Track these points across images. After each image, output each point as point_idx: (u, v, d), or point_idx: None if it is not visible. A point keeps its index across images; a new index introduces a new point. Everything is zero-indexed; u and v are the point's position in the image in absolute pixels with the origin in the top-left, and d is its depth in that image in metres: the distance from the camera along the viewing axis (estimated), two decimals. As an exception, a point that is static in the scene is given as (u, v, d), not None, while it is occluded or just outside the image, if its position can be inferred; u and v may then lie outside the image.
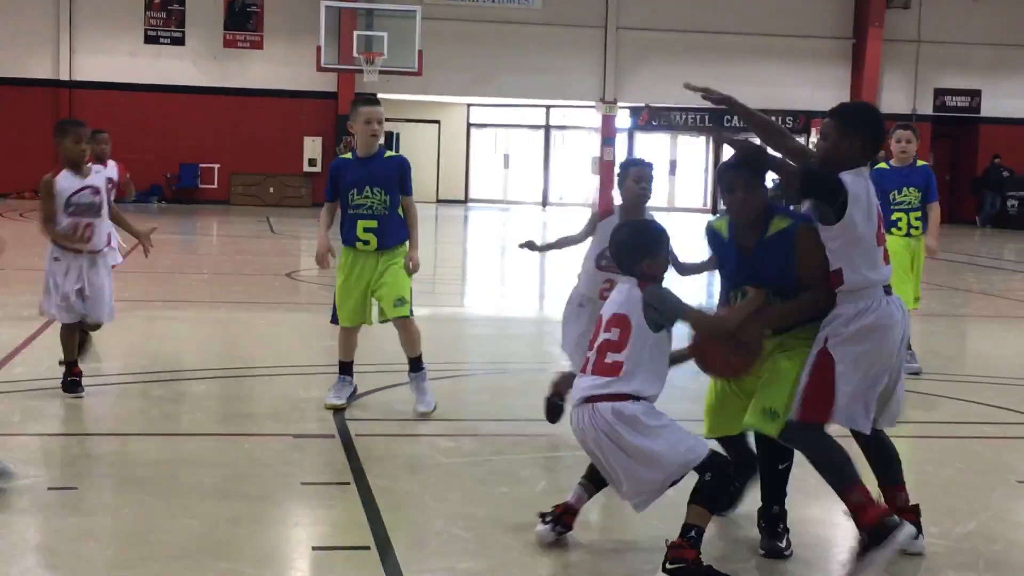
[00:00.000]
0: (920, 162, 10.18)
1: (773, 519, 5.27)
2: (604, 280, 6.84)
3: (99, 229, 7.91)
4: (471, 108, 38.53)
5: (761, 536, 5.28)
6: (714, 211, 37.38)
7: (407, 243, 7.68)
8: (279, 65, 33.47)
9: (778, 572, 5.07)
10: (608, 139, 36.31)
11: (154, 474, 6.14)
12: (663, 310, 4.98)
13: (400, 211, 7.62)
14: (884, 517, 4.81)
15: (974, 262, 22.71)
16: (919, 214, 10.01)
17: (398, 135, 39.12)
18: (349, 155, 7.77)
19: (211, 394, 7.54)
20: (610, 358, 4.95)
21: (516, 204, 38.39)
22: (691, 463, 4.84)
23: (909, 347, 9.07)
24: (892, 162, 10.13)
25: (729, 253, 5.28)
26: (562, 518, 5.14)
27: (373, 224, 7.55)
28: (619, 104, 35.82)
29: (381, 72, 29.62)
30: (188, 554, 4.96)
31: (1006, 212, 34.48)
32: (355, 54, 29.72)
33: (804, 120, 36.90)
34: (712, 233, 5.39)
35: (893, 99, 35.85)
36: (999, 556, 5.36)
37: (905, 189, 10.02)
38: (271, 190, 33.62)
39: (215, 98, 33.20)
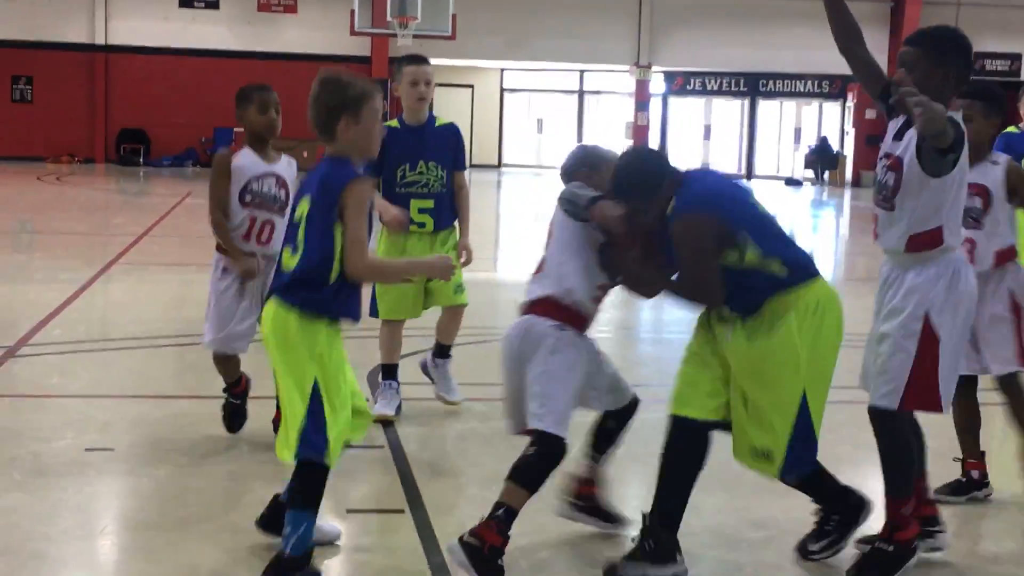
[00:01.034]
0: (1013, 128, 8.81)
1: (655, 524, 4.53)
2: None
3: (278, 232, 6.02)
4: (505, 73, 38.45)
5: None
6: (748, 176, 37.23)
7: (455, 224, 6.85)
8: (313, 29, 33.48)
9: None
10: (642, 104, 36.16)
11: (189, 436, 6.21)
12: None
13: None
14: (917, 538, 4.51)
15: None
16: None
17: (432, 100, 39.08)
18: (395, 123, 6.73)
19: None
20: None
21: (549, 169, 38.32)
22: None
23: None
24: (1022, 126, 8.81)
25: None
26: (581, 495, 4.87)
27: (429, 204, 6.65)
28: (653, 68, 35.63)
29: (415, 36, 29.51)
30: (224, 514, 5.02)
31: None
32: (389, 18, 29.59)
33: (840, 84, 36.64)
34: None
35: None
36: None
37: None
38: (305, 155, 33.60)
39: (249, 62, 33.23)
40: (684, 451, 4.49)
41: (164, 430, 6.32)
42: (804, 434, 4.43)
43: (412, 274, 4.20)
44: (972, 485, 5.52)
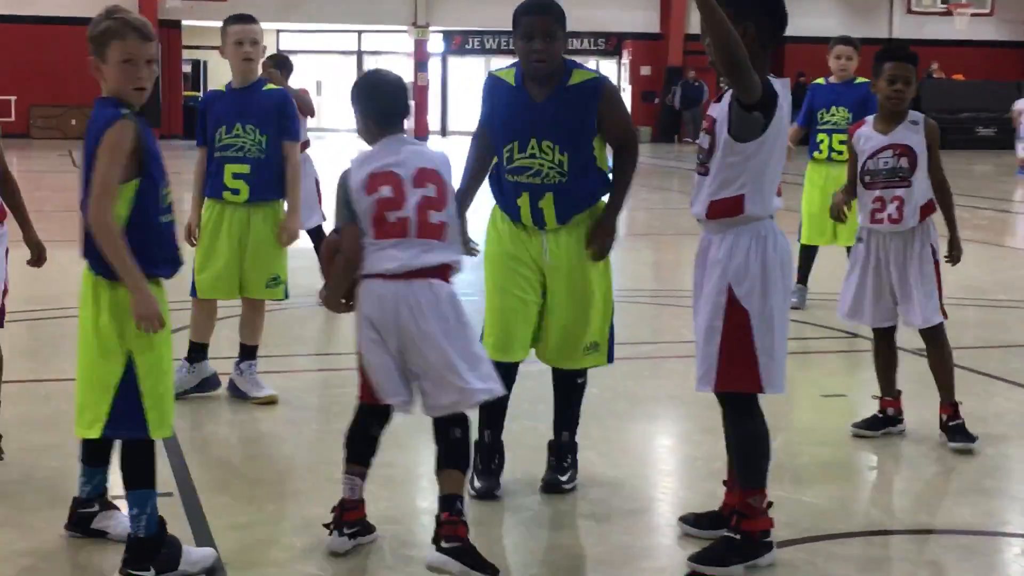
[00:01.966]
0: (859, 79, 9.31)
1: (562, 449, 5.15)
2: (874, 199, 5.89)
3: None
4: (281, 35, 37.75)
5: (546, 468, 5.13)
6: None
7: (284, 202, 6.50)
8: (75, -10, 32.17)
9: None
10: (421, 64, 36.04)
11: (28, 412, 5.93)
12: None
13: (283, 160, 6.43)
14: (768, 532, 4.35)
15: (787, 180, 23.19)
16: (845, 137, 9.12)
17: (206, 63, 38.15)
18: (222, 87, 6.61)
19: (16, 337, 7.21)
20: (435, 217, 4.32)
21: (331, 132, 37.86)
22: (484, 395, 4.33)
23: (804, 281, 9.25)
24: (830, 79, 9.43)
25: (516, 103, 4.93)
26: (346, 520, 4.42)
27: (244, 169, 6.32)
28: (431, 28, 35.51)
29: (184, -2, 28.74)
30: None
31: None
32: (157, -21, 28.75)
33: (616, 41, 37.20)
34: (495, 82, 5.03)
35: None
36: (802, 470, 5.52)
37: (834, 108, 9.28)
38: (73, 122, 32.42)
39: (7, 27, 31.78)
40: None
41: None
42: (611, 330, 5.08)
43: (127, 280, 3.87)
44: (887, 421, 6.01)
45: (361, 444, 4.44)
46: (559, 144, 4.83)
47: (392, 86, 4.54)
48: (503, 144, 4.94)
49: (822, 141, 9.47)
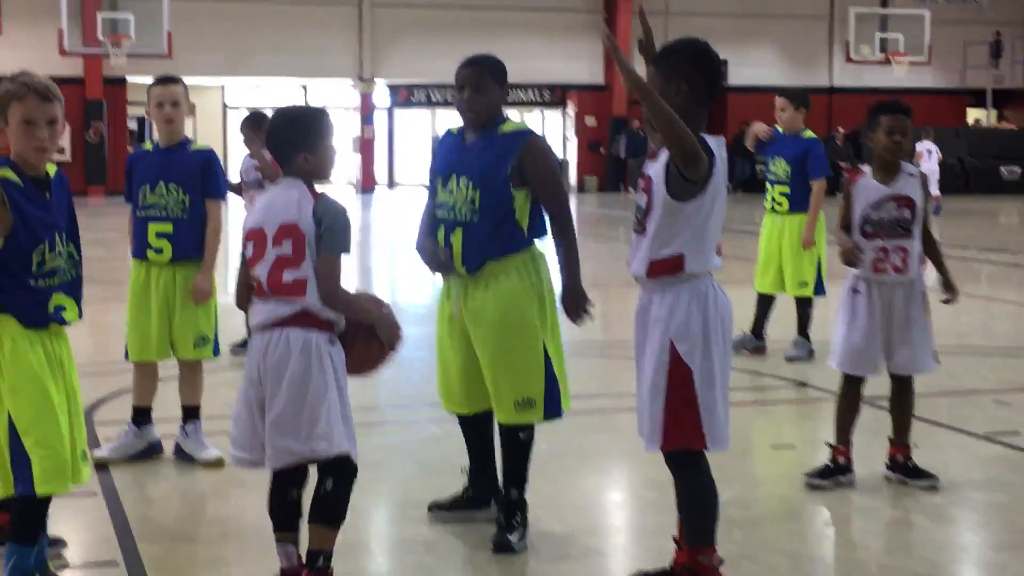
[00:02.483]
0: (807, 133, 9.39)
1: (510, 507, 5.12)
2: (877, 250, 5.95)
3: None
4: (226, 89, 37.70)
5: (496, 528, 5.11)
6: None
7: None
8: (20, 49, 31.81)
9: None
10: (367, 117, 36.08)
11: None
12: (332, 245, 4.29)
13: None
14: None
15: (728, 227, 23.36)
16: (786, 188, 9.30)
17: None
18: (149, 144, 6.66)
19: None
20: (288, 276, 4.26)
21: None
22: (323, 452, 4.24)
23: (805, 333, 9.28)
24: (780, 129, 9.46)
25: (451, 146, 5.20)
26: None
27: (167, 228, 6.30)
28: (377, 81, 35.60)
29: (129, 56, 28.66)
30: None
31: (755, 177, 35.74)
32: (100, 37, 28.65)
33: (560, 93, 37.43)
34: (446, 134, 5.31)
35: (646, 71, 36.66)
36: (754, 523, 5.50)
37: (774, 159, 9.39)
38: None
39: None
40: None
41: None
42: (551, 383, 5.04)
43: None
44: (839, 470, 6.04)
45: (282, 511, 4.40)
46: (473, 180, 5.03)
47: (282, 118, 4.43)
48: (433, 181, 5.21)
49: (766, 191, 9.56)
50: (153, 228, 6.34)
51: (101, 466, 6.12)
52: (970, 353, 9.73)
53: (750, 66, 37.25)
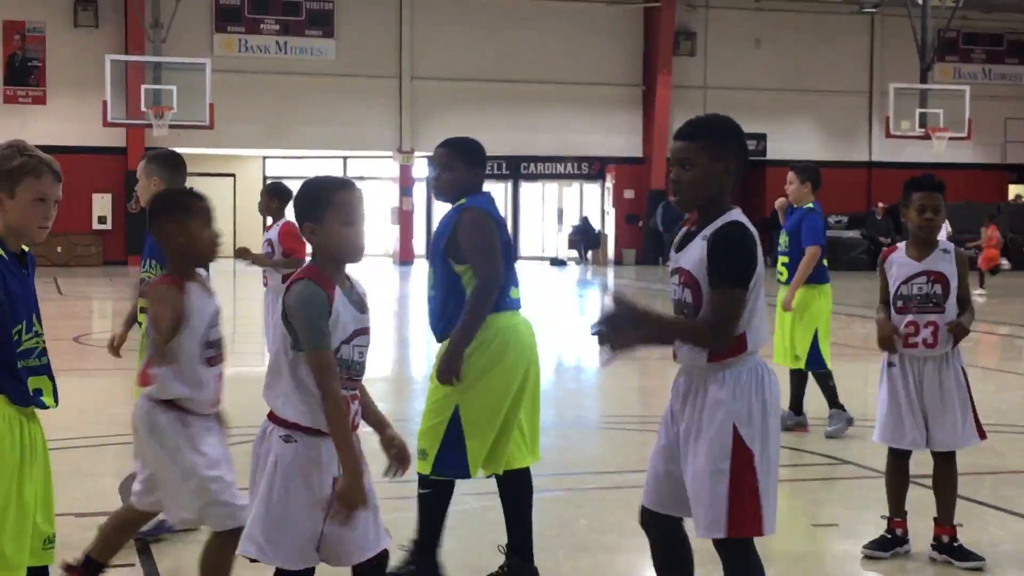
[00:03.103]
0: (808, 205, 9.48)
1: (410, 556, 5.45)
2: (906, 324, 5.99)
3: None
4: (267, 160, 38.07)
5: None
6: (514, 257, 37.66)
7: None
8: (64, 121, 32.47)
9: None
10: (406, 189, 36.29)
11: None
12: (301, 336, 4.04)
13: None
14: None
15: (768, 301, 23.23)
16: (787, 259, 9.46)
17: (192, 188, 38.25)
18: None
19: None
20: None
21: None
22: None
23: (836, 404, 9.21)
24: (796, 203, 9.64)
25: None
26: None
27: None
28: (416, 153, 35.87)
29: (171, 126, 28.99)
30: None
31: (793, 251, 35.61)
32: (143, 108, 29.02)
33: (599, 166, 37.57)
34: None
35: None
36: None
37: (782, 232, 9.62)
38: (59, 249, 32.49)
39: (-3, 155, 31.93)
40: None
41: None
42: (452, 443, 5.26)
43: None
44: (896, 541, 6.07)
45: None
46: (428, 259, 5.66)
47: (301, 186, 4.23)
48: None
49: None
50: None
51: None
52: (1013, 431, 9.58)
53: (789, 140, 37.34)
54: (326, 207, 4.05)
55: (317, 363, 3.96)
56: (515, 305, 5.44)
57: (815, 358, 9.27)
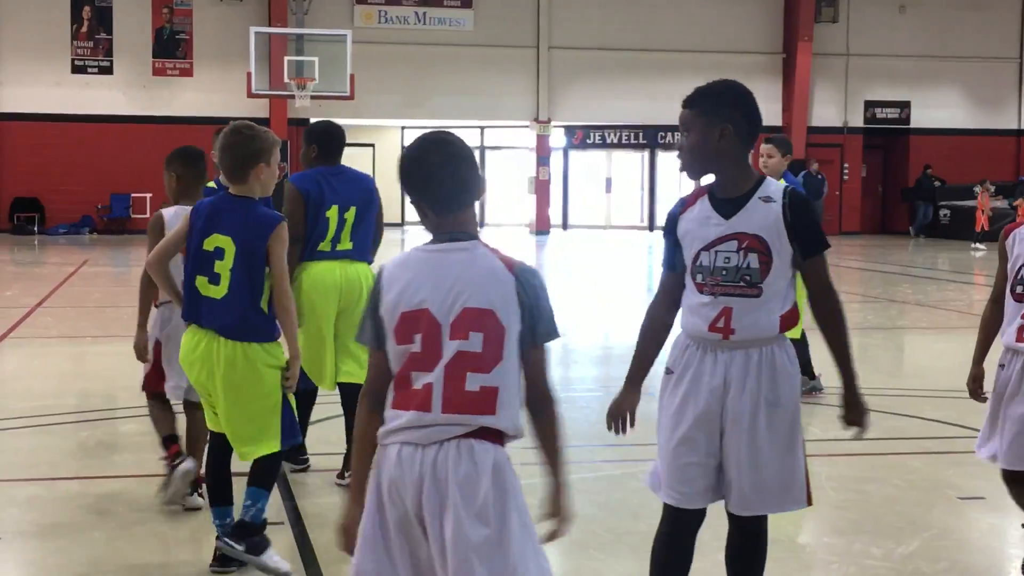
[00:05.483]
0: (781, 181, 9.14)
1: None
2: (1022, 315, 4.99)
3: None
4: (405, 131, 38.45)
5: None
6: (651, 228, 37.53)
7: None
8: (210, 92, 33.18)
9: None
10: (543, 159, 36.34)
11: (80, 519, 5.95)
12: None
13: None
14: None
15: (908, 272, 22.87)
16: None
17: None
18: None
19: (143, 433, 7.33)
20: (474, 380, 3.28)
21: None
22: None
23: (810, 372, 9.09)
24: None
25: None
26: None
27: None
28: (553, 123, 35.87)
29: (313, 97, 29.48)
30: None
31: (938, 222, 34.85)
32: (286, 79, 29.55)
33: (737, 135, 37.10)
34: None
35: (824, 112, 36.22)
36: (945, 576, 5.32)
37: None
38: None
39: (145, 127, 32.83)
40: None
41: (53, 514, 6.06)
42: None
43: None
44: None
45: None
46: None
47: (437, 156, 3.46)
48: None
49: None
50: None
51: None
52: None
53: (934, 108, 36.47)
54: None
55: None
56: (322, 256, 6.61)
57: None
